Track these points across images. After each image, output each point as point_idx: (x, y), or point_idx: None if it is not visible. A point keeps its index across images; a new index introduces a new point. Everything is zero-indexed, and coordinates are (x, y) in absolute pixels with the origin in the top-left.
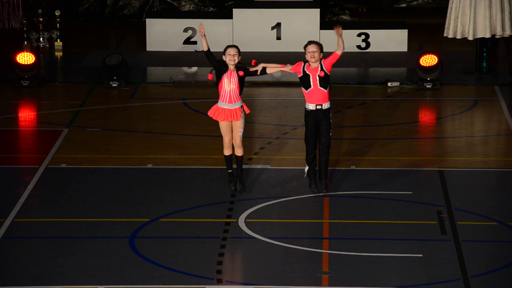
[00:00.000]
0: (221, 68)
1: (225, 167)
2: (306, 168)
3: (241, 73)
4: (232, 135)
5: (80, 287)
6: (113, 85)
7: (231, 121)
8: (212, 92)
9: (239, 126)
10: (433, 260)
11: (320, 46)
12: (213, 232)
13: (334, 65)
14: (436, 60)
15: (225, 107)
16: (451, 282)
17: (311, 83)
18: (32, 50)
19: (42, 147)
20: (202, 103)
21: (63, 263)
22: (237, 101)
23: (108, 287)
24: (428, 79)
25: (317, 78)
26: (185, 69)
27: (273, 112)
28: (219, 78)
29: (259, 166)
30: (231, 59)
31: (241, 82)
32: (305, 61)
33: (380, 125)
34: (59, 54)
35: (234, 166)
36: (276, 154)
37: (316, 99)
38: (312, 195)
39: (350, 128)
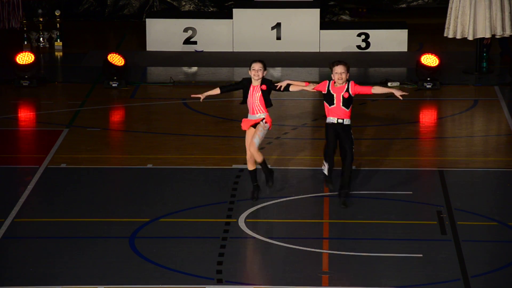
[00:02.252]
0: (245, 86)
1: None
2: (325, 169)
3: (263, 87)
4: None
5: (80, 287)
6: (113, 85)
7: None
8: None
9: (256, 132)
10: (433, 260)
11: (347, 67)
12: (213, 232)
13: None
14: (437, 60)
15: (250, 117)
16: (451, 282)
17: (335, 102)
18: (32, 50)
19: (42, 147)
20: (202, 103)
21: (63, 263)
22: (260, 112)
23: (108, 287)
24: (428, 79)
25: (341, 98)
26: (185, 69)
27: (273, 112)
28: (245, 95)
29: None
30: (255, 74)
31: (265, 96)
32: (330, 79)
33: (380, 125)
34: (59, 54)
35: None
36: (276, 154)
37: (337, 115)
38: (312, 195)
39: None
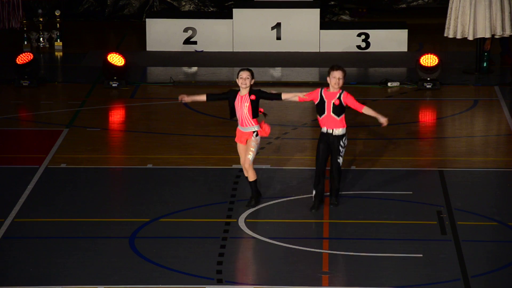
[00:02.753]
0: (231, 96)
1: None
2: (313, 193)
3: (253, 97)
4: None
5: (80, 287)
6: (113, 85)
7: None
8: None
9: (249, 148)
10: (433, 260)
11: (344, 73)
12: (213, 232)
13: None
14: (437, 60)
15: (241, 129)
16: (451, 282)
17: (325, 110)
18: (32, 50)
19: (42, 147)
20: (202, 103)
21: (63, 263)
22: (250, 125)
23: (108, 287)
24: (428, 79)
25: (331, 105)
26: (185, 69)
27: (273, 112)
28: (232, 107)
29: (259, 166)
30: (243, 82)
31: (254, 106)
32: (322, 87)
33: (380, 125)
34: (59, 54)
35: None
36: (276, 154)
37: (328, 124)
38: (312, 195)
39: (351, 128)
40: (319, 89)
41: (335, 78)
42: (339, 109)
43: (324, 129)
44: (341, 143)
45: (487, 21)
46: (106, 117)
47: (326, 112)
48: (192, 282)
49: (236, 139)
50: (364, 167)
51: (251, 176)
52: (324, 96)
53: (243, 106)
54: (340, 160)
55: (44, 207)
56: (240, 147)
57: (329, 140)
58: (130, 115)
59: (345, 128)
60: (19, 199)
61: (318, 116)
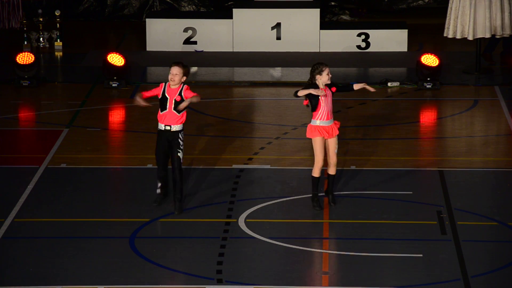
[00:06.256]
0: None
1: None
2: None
3: (333, 89)
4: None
5: (80, 287)
6: (113, 85)
7: (326, 139)
8: (212, 92)
9: (335, 142)
10: (433, 260)
11: (183, 70)
12: (213, 232)
13: (333, 65)
14: (437, 61)
15: (323, 124)
16: (451, 282)
17: (167, 106)
18: (32, 50)
19: (42, 147)
20: (202, 103)
21: (63, 263)
22: (332, 117)
23: (108, 287)
24: (428, 79)
25: (173, 102)
26: None
27: (273, 112)
28: (317, 98)
29: (259, 166)
30: (330, 77)
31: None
32: (166, 82)
33: (380, 125)
34: (59, 54)
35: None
36: (276, 154)
37: (167, 121)
38: (311, 195)
39: (350, 128)
40: (163, 84)
41: (172, 74)
42: (179, 104)
43: (162, 126)
44: (180, 138)
45: (487, 21)
46: (106, 117)
47: (167, 109)
48: (192, 282)
49: (315, 135)
50: (364, 167)
51: (335, 169)
52: (166, 93)
53: (328, 99)
54: (181, 154)
55: (44, 207)
56: (321, 142)
57: (168, 138)
58: (130, 115)
59: (182, 124)
60: (19, 199)
61: (159, 111)
